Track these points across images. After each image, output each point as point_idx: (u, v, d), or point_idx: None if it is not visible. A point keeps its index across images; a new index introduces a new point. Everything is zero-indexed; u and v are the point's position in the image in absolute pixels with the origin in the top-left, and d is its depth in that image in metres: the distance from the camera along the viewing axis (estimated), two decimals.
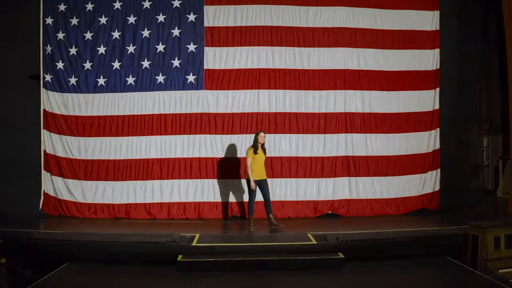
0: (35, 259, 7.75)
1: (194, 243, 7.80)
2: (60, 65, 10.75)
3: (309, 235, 8.26)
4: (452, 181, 11.08)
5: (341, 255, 7.49)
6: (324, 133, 10.80)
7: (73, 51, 10.75)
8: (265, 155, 9.16)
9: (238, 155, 10.50)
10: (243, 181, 10.28)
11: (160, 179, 10.61)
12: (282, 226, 8.86)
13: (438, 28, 11.07)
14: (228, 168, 10.48)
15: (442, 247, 8.01)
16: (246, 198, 10.08)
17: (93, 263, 7.51)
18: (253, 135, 10.03)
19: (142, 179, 10.61)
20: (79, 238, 8.04)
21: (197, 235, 8.22)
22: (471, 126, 11.71)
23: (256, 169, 8.94)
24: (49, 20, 10.79)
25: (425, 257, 7.80)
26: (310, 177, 10.66)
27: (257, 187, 9.01)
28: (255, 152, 8.95)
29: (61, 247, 7.82)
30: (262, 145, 9.03)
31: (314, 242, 7.88)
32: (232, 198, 10.60)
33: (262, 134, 9.04)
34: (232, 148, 10.55)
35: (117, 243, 7.80)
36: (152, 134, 10.65)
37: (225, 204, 10.56)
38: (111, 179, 10.60)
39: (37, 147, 10.75)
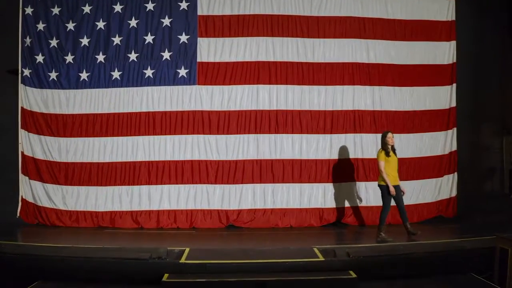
0: (3, 276, 7.30)
1: (182, 260, 7.16)
2: (39, 58, 10.40)
3: (315, 250, 7.64)
4: (468, 185, 10.81)
5: (353, 274, 6.83)
6: (331, 133, 10.40)
7: (53, 43, 10.40)
8: (396, 156, 8.78)
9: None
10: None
11: (148, 184, 10.22)
12: (419, 233, 8.56)
13: (454, 18, 10.74)
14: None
15: (465, 262, 7.52)
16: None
17: (67, 282, 7.04)
18: (251, 135, 10.15)
19: (128, 184, 10.22)
20: (52, 253, 7.44)
21: (187, 250, 7.61)
22: (486, 126, 11.39)
23: (389, 173, 8.55)
24: (28, 10, 10.41)
25: (446, 274, 7.33)
26: (315, 182, 10.28)
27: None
28: (388, 155, 8.58)
29: (32, 263, 7.30)
30: (392, 146, 8.66)
31: (322, 258, 7.26)
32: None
33: (390, 134, 8.66)
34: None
35: (94, 259, 7.22)
36: (139, 134, 10.28)
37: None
38: (94, 184, 10.23)
39: (14, 148, 10.43)
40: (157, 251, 7.32)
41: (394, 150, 8.70)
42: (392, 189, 8.44)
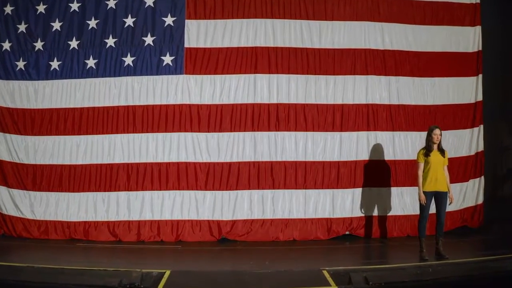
0: None
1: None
2: (6, 45, 9.95)
3: (325, 273, 6.74)
4: (489, 190, 10.35)
5: None
6: (341, 130, 9.90)
7: (22, 28, 9.95)
8: (444, 157, 8.05)
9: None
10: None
11: (128, 190, 9.72)
12: (447, 259, 7.75)
13: (478, 0, 10.26)
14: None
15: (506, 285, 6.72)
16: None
17: None
18: (247, 133, 9.68)
19: (105, 190, 9.73)
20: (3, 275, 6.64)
21: (167, 272, 6.73)
22: (509, 123, 10.85)
23: (427, 176, 7.92)
24: None
25: None
26: (322, 188, 9.78)
27: (433, 200, 8.04)
28: (426, 155, 7.94)
29: None
30: (439, 144, 8.01)
31: (334, 286, 6.35)
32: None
33: (437, 130, 7.99)
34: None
35: (53, 285, 6.42)
36: (117, 132, 9.82)
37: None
38: (66, 190, 9.73)
39: None
40: (129, 275, 6.48)
41: (440, 149, 7.91)
42: (421, 197, 7.86)
